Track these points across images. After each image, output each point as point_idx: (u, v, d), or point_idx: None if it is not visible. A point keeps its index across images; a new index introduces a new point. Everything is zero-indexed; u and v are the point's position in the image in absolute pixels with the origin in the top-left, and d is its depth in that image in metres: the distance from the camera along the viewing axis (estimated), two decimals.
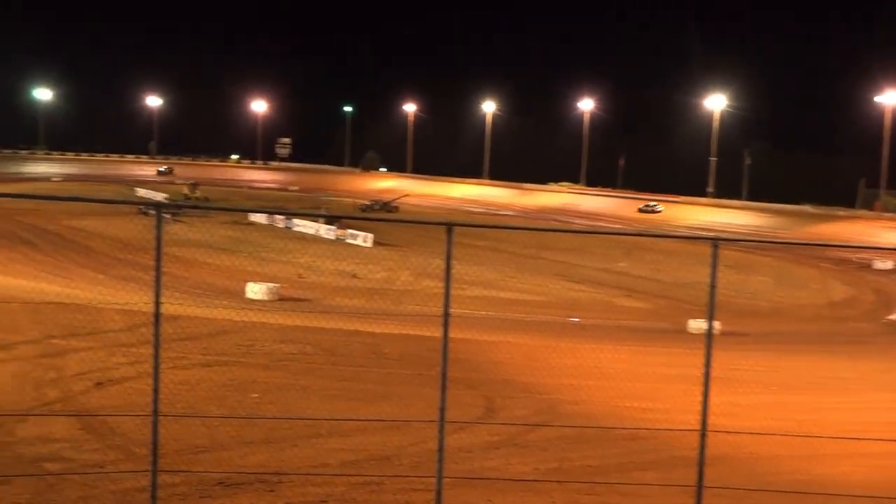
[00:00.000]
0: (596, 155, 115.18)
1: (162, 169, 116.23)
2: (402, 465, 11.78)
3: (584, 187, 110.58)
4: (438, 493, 7.89)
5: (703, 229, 76.87)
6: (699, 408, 8.93)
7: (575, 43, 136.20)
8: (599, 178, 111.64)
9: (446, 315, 7.78)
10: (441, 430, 7.81)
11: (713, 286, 8.77)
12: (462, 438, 13.15)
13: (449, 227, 7.76)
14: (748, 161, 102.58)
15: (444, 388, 7.81)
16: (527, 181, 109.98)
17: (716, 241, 8.66)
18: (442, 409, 7.79)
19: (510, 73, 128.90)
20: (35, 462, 10.96)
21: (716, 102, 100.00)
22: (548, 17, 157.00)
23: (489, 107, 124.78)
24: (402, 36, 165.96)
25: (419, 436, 13.14)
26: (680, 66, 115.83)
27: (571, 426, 13.95)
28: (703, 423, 8.86)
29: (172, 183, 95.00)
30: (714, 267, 8.67)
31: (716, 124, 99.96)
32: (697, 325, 27.55)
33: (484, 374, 18.41)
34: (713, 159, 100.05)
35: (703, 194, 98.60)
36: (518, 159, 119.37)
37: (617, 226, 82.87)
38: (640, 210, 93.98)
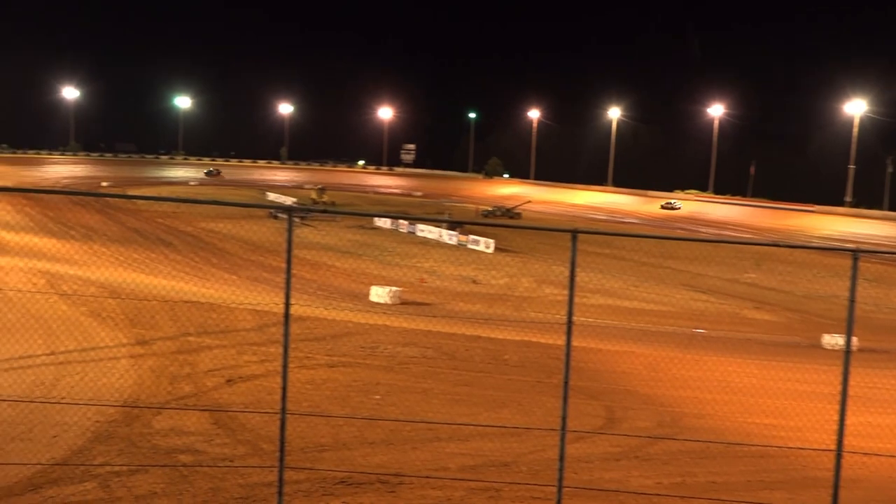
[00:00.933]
0: (725, 162, 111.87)
1: (209, 171, 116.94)
2: (521, 473, 11.72)
3: (712, 195, 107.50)
4: (558, 502, 7.81)
5: (840, 240, 73.47)
6: (834, 427, 8.51)
7: (703, 46, 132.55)
8: (729, 187, 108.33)
9: (569, 323, 7.69)
10: (562, 439, 7.72)
11: (852, 300, 8.35)
12: (582, 448, 12.99)
13: (574, 234, 7.66)
14: (890, 169, 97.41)
15: (565, 397, 7.73)
16: (652, 189, 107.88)
17: (856, 253, 8.24)
18: (563, 418, 7.70)
19: (636, 78, 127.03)
20: (170, 453, 11.47)
21: (855, 107, 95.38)
22: (674, 20, 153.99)
23: (614, 113, 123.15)
24: (527, 43, 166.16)
25: (538, 443, 13.06)
26: (816, 69, 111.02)
27: (695, 440, 13.56)
28: (839, 442, 8.44)
29: (301, 187, 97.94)
30: (854, 279, 8.26)
31: (855, 130, 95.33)
32: (832, 340, 26.31)
33: (605, 383, 18.15)
34: (852, 167, 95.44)
35: (840, 203, 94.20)
36: (643, 166, 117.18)
37: (746, 235, 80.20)
38: (662, 207, 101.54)
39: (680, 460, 12.90)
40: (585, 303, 32.02)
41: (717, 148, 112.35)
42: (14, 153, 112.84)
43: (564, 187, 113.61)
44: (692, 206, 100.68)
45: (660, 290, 40.15)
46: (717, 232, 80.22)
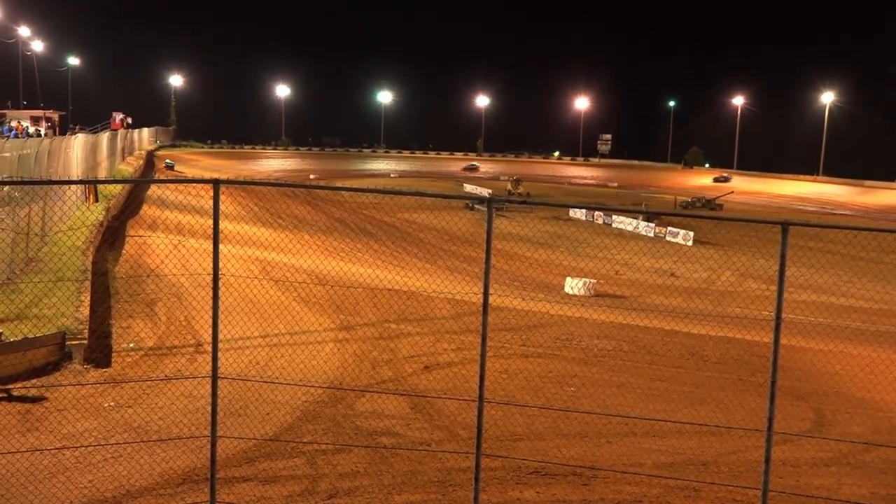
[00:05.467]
0: None
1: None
2: (721, 473, 11.31)
3: None
4: None
5: None
6: None
7: None
8: None
9: (778, 319, 7.31)
10: (768, 441, 7.37)
11: None
12: (787, 451, 12.35)
13: (784, 226, 7.26)
14: None
15: (772, 396, 7.36)
16: (869, 178, 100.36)
17: None
18: (770, 419, 7.35)
19: (852, 60, 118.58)
20: (371, 435, 11.95)
21: None
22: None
23: (827, 97, 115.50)
24: (729, 25, 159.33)
25: (739, 444, 12.56)
26: None
27: None
28: None
29: (497, 179, 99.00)
30: None
31: None
32: None
33: (814, 384, 17.16)
34: None
35: None
36: (859, 154, 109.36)
37: None
38: (716, 180, 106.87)
39: None
40: (793, 299, 30.35)
41: None
42: (232, 148, 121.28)
43: (770, 177, 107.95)
44: None
45: (878, 287, 37.30)
46: None
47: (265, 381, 13.20)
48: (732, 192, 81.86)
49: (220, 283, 8.05)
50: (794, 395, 15.75)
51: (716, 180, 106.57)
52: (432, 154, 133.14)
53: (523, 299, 24.46)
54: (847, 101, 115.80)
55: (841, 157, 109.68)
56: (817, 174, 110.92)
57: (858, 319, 28.60)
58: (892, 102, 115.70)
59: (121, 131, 62.01)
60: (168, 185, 48.51)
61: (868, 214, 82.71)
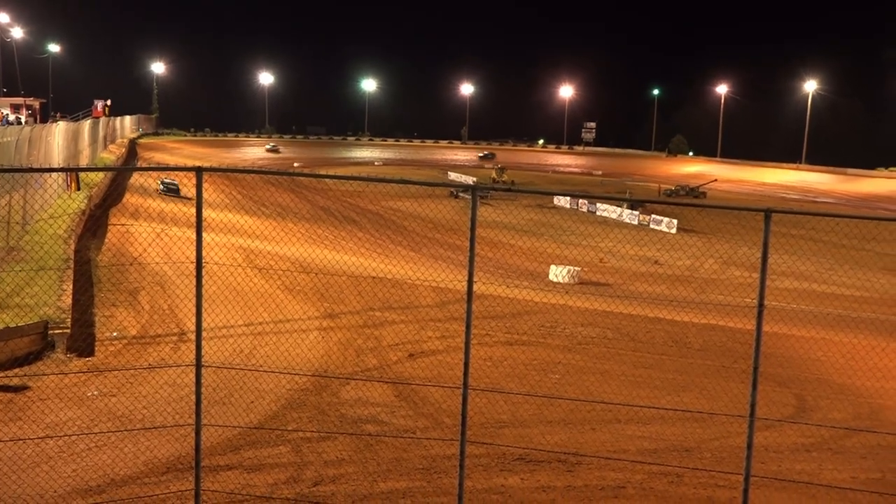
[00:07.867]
0: None
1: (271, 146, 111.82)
2: (704, 459, 11.40)
3: None
4: (745, 492, 7.52)
5: None
6: None
7: None
8: None
9: (760, 306, 7.35)
10: (750, 426, 7.42)
11: None
12: (770, 437, 12.46)
13: (767, 213, 7.29)
14: None
15: (755, 383, 7.41)
16: (851, 167, 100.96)
17: None
18: (752, 405, 7.40)
19: (834, 49, 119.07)
20: (356, 423, 11.96)
21: None
22: None
23: (810, 86, 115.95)
24: (713, 14, 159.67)
25: (722, 430, 12.65)
26: None
27: None
28: None
29: (481, 167, 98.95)
30: None
31: None
32: None
33: (796, 370, 17.31)
34: None
35: None
36: (842, 143, 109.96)
37: None
38: (481, 157, 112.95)
39: (879, 455, 12.13)
40: (776, 286, 30.54)
41: None
42: (216, 136, 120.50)
43: (754, 166, 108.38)
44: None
45: (859, 275, 37.59)
46: None
47: (249, 370, 13.18)
48: (716, 179, 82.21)
49: (204, 272, 8.01)
50: (777, 382, 15.88)
51: (482, 157, 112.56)
52: (417, 142, 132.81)
53: (508, 287, 24.49)
54: (830, 90, 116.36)
55: (824, 146, 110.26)
56: (800, 162, 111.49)
57: (840, 306, 28.83)
58: (875, 91, 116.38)
59: (103, 119, 61.52)
60: (150, 173, 48.21)
61: (850, 202, 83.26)
